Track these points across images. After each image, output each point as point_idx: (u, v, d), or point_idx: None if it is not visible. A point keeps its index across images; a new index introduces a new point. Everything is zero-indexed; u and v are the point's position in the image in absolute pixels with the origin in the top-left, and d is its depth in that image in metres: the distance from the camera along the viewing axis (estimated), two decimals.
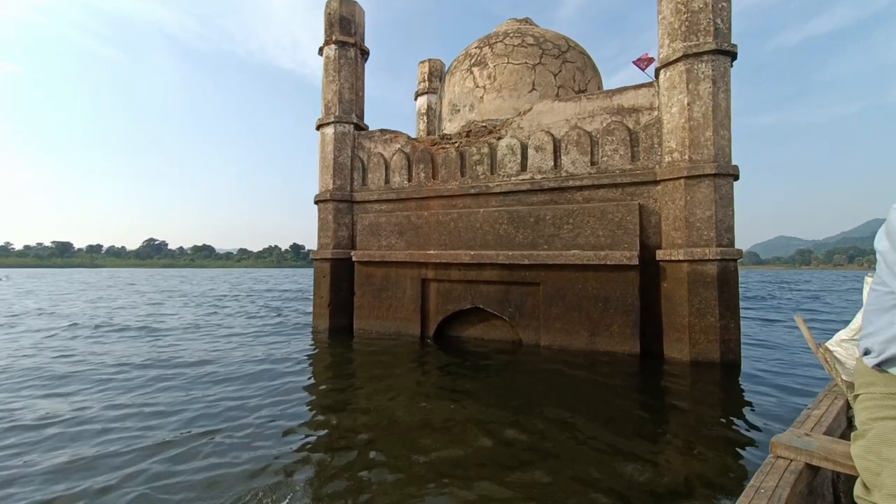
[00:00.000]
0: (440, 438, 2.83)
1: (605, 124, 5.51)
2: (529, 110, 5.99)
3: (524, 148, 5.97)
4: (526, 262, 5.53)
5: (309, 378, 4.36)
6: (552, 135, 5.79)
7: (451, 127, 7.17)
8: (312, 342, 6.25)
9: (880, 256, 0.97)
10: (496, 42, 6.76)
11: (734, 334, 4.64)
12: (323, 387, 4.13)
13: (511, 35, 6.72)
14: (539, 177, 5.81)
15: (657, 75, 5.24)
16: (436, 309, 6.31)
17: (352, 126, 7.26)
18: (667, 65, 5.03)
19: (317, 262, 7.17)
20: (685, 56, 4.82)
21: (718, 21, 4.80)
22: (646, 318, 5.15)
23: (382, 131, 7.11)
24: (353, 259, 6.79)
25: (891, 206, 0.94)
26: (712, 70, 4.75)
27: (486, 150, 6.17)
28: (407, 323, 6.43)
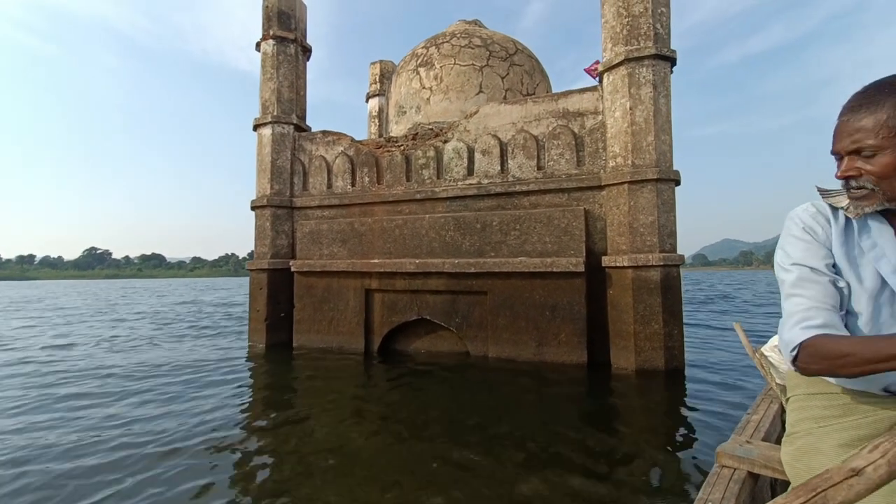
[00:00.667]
0: (380, 465, 2.49)
1: (550, 128, 5.39)
2: (476, 113, 5.79)
3: (471, 152, 5.76)
4: (472, 270, 5.29)
5: (238, 408, 3.86)
6: (499, 138, 5.61)
7: (397, 129, 6.86)
8: (247, 363, 5.71)
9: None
10: (443, 42, 6.54)
11: (678, 341, 4.58)
12: (257, 420, 3.61)
13: (458, 36, 6.53)
14: (486, 181, 5.61)
15: (601, 80, 5.18)
16: (380, 321, 5.95)
17: (292, 127, 6.80)
18: (610, 68, 4.97)
19: (252, 274, 6.62)
20: (627, 60, 4.78)
21: (658, 26, 4.79)
22: (593, 327, 5.03)
23: (325, 133, 6.70)
24: (293, 269, 6.32)
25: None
26: (653, 75, 4.73)
27: (432, 153, 5.91)
28: (350, 337, 6.03)
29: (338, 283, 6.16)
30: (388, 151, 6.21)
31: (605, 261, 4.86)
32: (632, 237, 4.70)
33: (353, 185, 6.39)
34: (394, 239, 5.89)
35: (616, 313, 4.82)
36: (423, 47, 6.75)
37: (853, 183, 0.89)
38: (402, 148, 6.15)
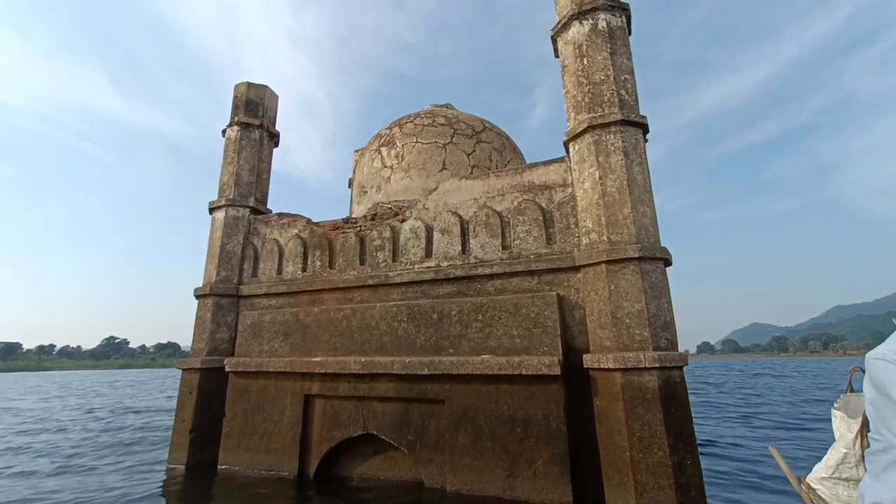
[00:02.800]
0: None
1: (515, 203, 4.74)
2: (435, 189, 5.24)
3: (429, 231, 5.10)
4: (426, 371, 4.27)
5: None
6: (460, 216, 4.97)
7: (358, 210, 6.37)
8: (155, 490, 4.52)
9: (870, 406, 1.02)
10: (406, 122, 6.31)
11: (694, 476, 3.33)
12: None
13: (423, 115, 6.31)
14: (445, 264, 4.84)
15: (567, 150, 4.63)
16: (319, 437, 4.80)
17: (248, 210, 6.37)
18: (574, 137, 4.44)
19: (184, 374, 5.69)
20: (591, 127, 4.25)
21: (623, 92, 4.33)
22: (579, 449, 3.83)
23: (280, 215, 6.22)
24: (227, 369, 5.38)
25: (867, 357, 1.04)
26: (622, 142, 4.15)
27: (387, 233, 5.27)
28: (283, 457, 4.84)
29: (275, 386, 5.15)
30: (344, 233, 5.61)
31: (587, 360, 3.83)
32: (616, 330, 3.72)
33: (303, 269, 5.70)
34: (340, 332, 5.00)
35: (606, 432, 3.65)
36: (387, 128, 6.52)
37: None
38: (357, 229, 5.56)
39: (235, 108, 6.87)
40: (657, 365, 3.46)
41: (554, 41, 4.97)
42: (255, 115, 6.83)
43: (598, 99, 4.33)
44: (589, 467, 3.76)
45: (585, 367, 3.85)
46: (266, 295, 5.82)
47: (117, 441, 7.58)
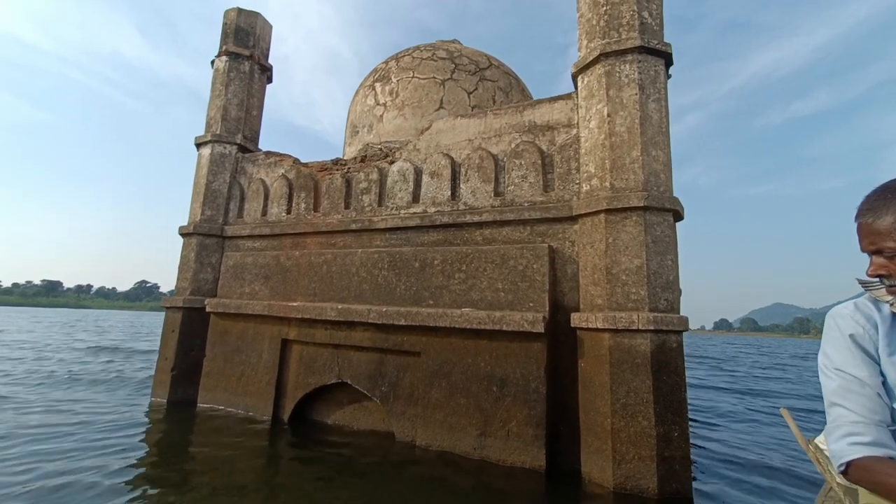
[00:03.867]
0: None
1: (513, 145, 4.24)
2: (428, 129, 4.76)
3: (418, 174, 4.67)
4: (403, 321, 3.99)
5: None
6: (451, 158, 4.50)
7: (350, 152, 5.94)
8: (137, 424, 4.51)
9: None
10: (404, 56, 5.72)
11: (680, 449, 3.01)
12: None
13: (422, 49, 5.70)
14: (432, 210, 4.45)
15: (575, 84, 4.05)
16: (295, 382, 4.66)
17: (235, 147, 6.03)
18: (584, 69, 3.85)
19: (167, 312, 5.60)
20: (603, 55, 3.65)
21: (645, 14, 3.67)
22: (558, 414, 3.54)
23: (268, 154, 5.86)
24: (207, 309, 5.24)
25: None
26: (639, 73, 3.55)
27: (375, 176, 4.87)
28: (259, 400, 4.75)
29: (254, 329, 5.00)
30: (330, 174, 5.24)
31: (576, 319, 3.46)
32: (610, 287, 3.30)
33: (288, 212, 5.40)
34: (320, 277, 4.74)
35: (589, 397, 3.33)
36: (384, 62, 5.95)
37: (886, 281, 0.92)
38: (345, 171, 5.16)
39: (225, 35, 6.37)
40: (651, 327, 3.07)
41: None
42: (245, 45, 6.33)
43: (615, 22, 3.69)
44: (568, 434, 3.48)
45: (573, 326, 3.49)
46: (250, 237, 5.57)
47: (112, 377, 7.76)
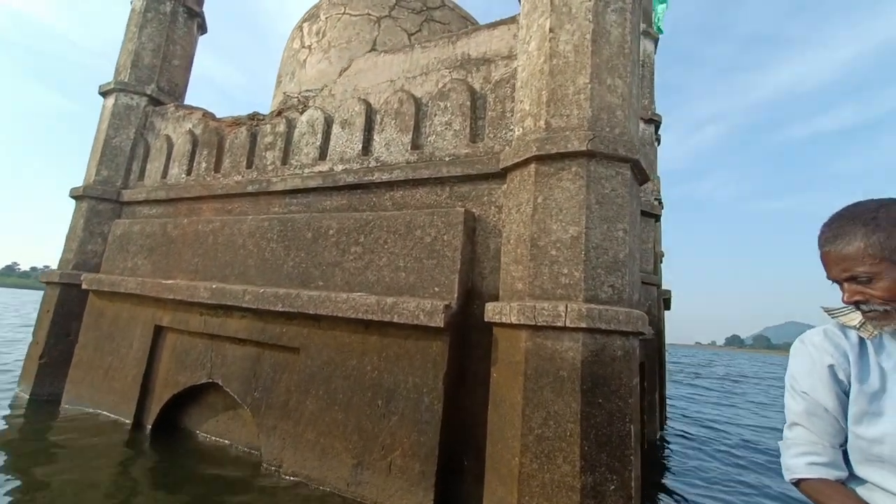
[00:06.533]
0: None
1: (440, 85, 3.26)
2: (347, 69, 3.81)
3: (328, 124, 3.71)
4: (280, 307, 3.03)
5: None
6: (368, 103, 3.54)
7: (274, 105, 5.01)
8: None
9: None
10: None
11: None
12: None
13: None
14: (339, 168, 3.48)
15: (521, 3, 3.05)
16: (164, 379, 3.72)
17: (145, 99, 5.13)
18: None
19: (46, 289, 4.72)
20: None
21: None
22: (461, 442, 2.54)
23: (178, 107, 4.95)
24: (83, 286, 4.34)
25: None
26: None
27: (282, 128, 3.92)
28: (122, 399, 3.82)
29: (129, 312, 4.08)
30: (237, 129, 4.31)
31: (490, 311, 2.45)
32: (534, 266, 2.30)
33: (188, 173, 4.48)
34: (204, 250, 3.81)
35: (498, 422, 2.32)
36: (319, 2, 5.00)
37: (864, 307, 0.93)
38: (251, 124, 4.23)
39: None
40: (584, 325, 2.05)
41: None
42: None
43: None
44: (475, 470, 2.48)
45: (487, 320, 2.48)
46: (146, 202, 4.67)
47: None
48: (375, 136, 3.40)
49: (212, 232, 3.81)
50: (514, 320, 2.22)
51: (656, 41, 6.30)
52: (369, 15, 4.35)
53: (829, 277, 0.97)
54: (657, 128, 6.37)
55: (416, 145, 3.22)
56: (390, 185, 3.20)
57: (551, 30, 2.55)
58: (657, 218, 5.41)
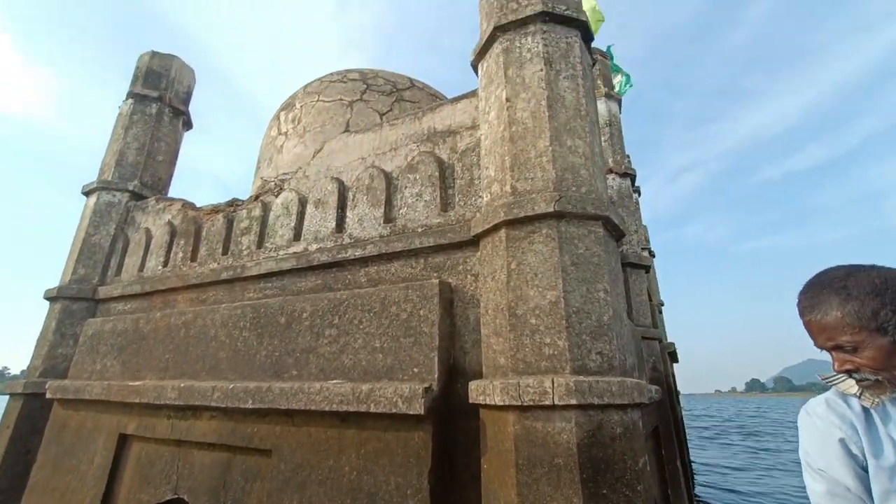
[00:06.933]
0: None
1: (409, 159, 3.30)
2: (320, 150, 3.89)
3: (303, 205, 3.70)
4: (251, 404, 2.77)
5: None
6: (341, 181, 3.56)
7: (253, 191, 5.07)
8: None
9: None
10: (313, 82, 5.04)
11: None
12: None
13: (334, 74, 5.03)
14: (314, 247, 3.41)
15: (478, 75, 3.18)
16: (126, 499, 3.32)
17: (127, 195, 5.19)
18: (481, 53, 3.00)
19: (9, 401, 4.40)
20: (499, 29, 2.80)
21: None
22: None
23: (158, 199, 5.00)
24: (48, 395, 4.04)
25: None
26: (544, 45, 2.67)
27: (257, 212, 3.91)
28: None
29: (93, 420, 3.76)
30: (215, 216, 4.31)
31: (473, 390, 2.22)
32: (515, 337, 2.12)
33: (165, 264, 4.39)
34: (175, 345, 3.60)
35: None
36: (294, 93, 5.28)
37: (856, 376, 0.91)
38: (229, 210, 4.24)
39: (135, 80, 5.85)
40: (574, 401, 1.83)
41: None
42: (155, 86, 5.78)
43: None
44: None
45: (472, 402, 2.24)
46: (122, 297, 4.53)
47: None
48: (348, 213, 3.37)
49: (184, 325, 3.62)
50: (498, 401, 2.00)
51: (619, 102, 6.65)
52: (342, 100, 4.57)
53: (816, 345, 0.97)
54: (633, 180, 6.51)
55: (388, 218, 3.17)
56: (364, 260, 3.09)
57: (508, 99, 2.61)
58: (647, 269, 5.29)
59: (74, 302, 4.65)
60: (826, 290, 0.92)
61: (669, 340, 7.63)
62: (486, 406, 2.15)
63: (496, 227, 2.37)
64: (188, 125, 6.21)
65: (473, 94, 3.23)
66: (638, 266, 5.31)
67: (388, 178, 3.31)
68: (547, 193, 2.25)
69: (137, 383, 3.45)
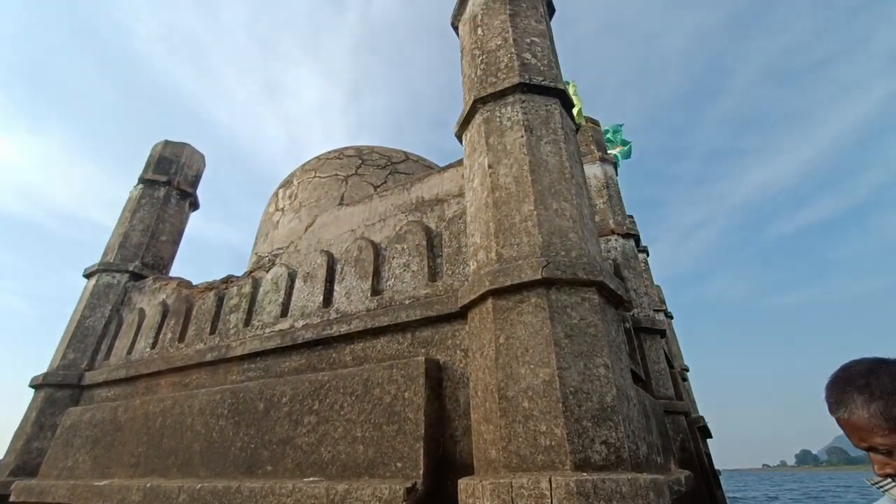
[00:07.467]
0: None
1: (397, 229, 3.23)
2: (312, 224, 3.88)
3: (292, 279, 3.60)
4: None
5: None
6: (330, 254, 3.48)
7: (249, 267, 5.03)
8: None
9: None
10: (311, 160, 5.22)
11: None
12: None
13: (331, 151, 5.22)
14: (300, 324, 3.24)
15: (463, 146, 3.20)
16: None
17: (126, 276, 5.21)
18: (464, 124, 3.05)
19: None
20: (479, 101, 2.86)
21: (527, 55, 2.99)
22: None
23: (156, 279, 4.98)
24: (10, 498, 3.70)
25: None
26: (524, 113, 2.69)
27: (247, 289, 3.82)
28: None
29: None
30: (206, 294, 4.22)
31: (462, 494, 1.89)
32: (506, 425, 1.85)
33: (153, 346, 4.23)
34: (149, 437, 3.32)
35: None
36: (293, 171, 5.46)
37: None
38: (222, 287, 4.16)
39: (146, 167, 6.16)
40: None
41: (455, 29, 3.88)
42: (164, 172, 6.06)
43: (492, 68, 3.00)
44: None
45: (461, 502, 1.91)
46: (106, 383, 4.32)
47: None
48: (336, 287, 3.24)
49: (161, 413, 3.37)
50: None
51: (615, 164, 6.73)
52: (337, 175, 4.68)
53: (852, 444, 0.93)
54: (637, 241, 6.36)
55: (375, 290, 3.03)
56: (349, 337, 2.90)
57: (490, 165, 2.57)
58: (662, 333, 4.94)
59: (59, 389, 4.45)
60: (850, 388, 0.88)
61: (700, 413, 6.96)
62: None
63: (482, 298, 2.19)
64: (195, 206, 6.41)
65: (459, 162, 3.23)
66: (652, 331, 4.96)
67: (376, 248, 3.22)
68: (534, 259, 2.10)
69: (103, 482, 3.13)
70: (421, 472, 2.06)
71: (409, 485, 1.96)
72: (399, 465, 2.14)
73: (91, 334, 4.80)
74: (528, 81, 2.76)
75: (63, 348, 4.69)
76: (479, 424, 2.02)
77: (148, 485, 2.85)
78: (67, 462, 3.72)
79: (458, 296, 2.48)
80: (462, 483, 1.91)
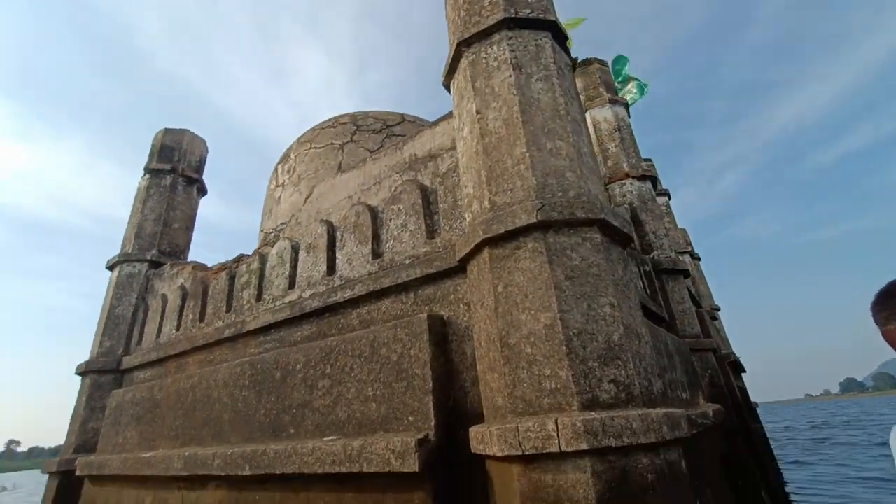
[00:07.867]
0: None
1: (393, 189, 3.16)
2: (310, 195, 3.84)
3: (296, 251, 3.61)
4: (248, 470, 2.57)
5: None
6: (330, 223, 3.45)
7: (258, 246, 5.09)
8: None
9: None
10: (306, 131, 5.11)
11: None
12: None
13: (325, 121, 5.09)
14: (307, 294, 3.27)
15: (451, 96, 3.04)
16: None
17: (146, 265, 5.37)
18: (450, 73, 2.87)
19: (48, 479, 4.43)
20: (463, 43, 2.67)
21: None
22: None
23: (173, 265, 5.11)
24: (77, 472, 4.03)
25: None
26: (511, 51, 2.49)
27: (255, 265, 3.87)
28: None
29: (116, 497, 3.67)
30: (219, 274, 4.31)
31: (474, 439, 1.92)
32: (509, 371, 1.82)
33: (178, 328, 4.40)
34: (185, 410, 3.50)
35: None
36: (290, 145, 5.37)
37: None
38: (233, 266, 4.23)
39: (150, 157, 6.19)
40: (585, 446, 1.49)
41: None
42: (168, 160, 6.09)
43: (475, 6, 2.77)
44: None
45: (473, 451, 1.93)
46: (141, 366, 4.56)
47: None
48: (338, 254, 3.23)
49: (191, 388, 3.54)
50: (497, 451, 1.68)
51: (626, 105, 6.33)
52: (332, 144, 4.58)
53: None
54: (655, 183, 6.08)
55: (376, 254, 3.00)
56: (355, 301, 2.91)
57: (478, 111, 2.43)
58: (685, 273, 4.79)
59: (101, 375, 4.73)
60: None
61: (735, 350, 6.85)
62: (488, 457, 1.83)
63: (478, 248, 2.13)
64: (203, 191, 6.45)
65: (450, 114, 3.08)
66: (674, 272, 4.82)
67: (373, 212, 3.16)
68: (528, 203, 2.00)
69: (150, 454, 3.35)
70: (432, 423, 2.09)
71: (420, 436, 1.99)
72: (411, 419, 2.17)
73: (122, 322, 5.03)
74: (514, 16, 2.54)
75: (99, 337, 4.94)
76: (484, 374, 2.01)
77: (187, 453, 3.02)
78: (118, 438, 4.00)
79: (456, 250, 2.42)
80: (472, 431, 1.93)
